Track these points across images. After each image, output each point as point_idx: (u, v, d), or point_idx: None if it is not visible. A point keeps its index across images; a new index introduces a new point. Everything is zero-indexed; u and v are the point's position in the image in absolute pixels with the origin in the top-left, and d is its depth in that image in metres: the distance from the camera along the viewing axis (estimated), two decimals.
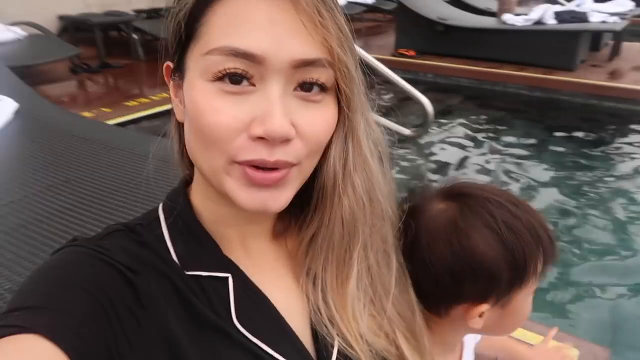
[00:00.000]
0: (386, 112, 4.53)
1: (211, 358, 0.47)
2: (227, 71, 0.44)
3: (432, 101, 3.64)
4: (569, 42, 5.14)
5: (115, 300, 0.45)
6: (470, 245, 0.62)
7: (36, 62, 4.27)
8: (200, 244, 0.53)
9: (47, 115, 2.21)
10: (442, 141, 4.06)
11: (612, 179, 3.42)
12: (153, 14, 6.46)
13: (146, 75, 5.27)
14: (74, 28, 5.78)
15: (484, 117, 4.65)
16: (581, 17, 5.27)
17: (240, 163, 0.45)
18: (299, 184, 0.50)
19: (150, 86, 4.68)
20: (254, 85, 0.45)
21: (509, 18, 5.58)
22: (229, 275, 0.52)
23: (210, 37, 0.44)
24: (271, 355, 0.49)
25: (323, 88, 0.47)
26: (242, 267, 0.54)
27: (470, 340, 0.83)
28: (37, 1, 5.80)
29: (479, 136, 4.18)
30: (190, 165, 0.56)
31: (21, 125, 2.06)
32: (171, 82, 0.53)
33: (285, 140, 0.45)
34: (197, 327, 0.48)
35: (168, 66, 0.52)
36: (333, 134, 0.50)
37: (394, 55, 5.96)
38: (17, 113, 2.13)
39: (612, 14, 5.34)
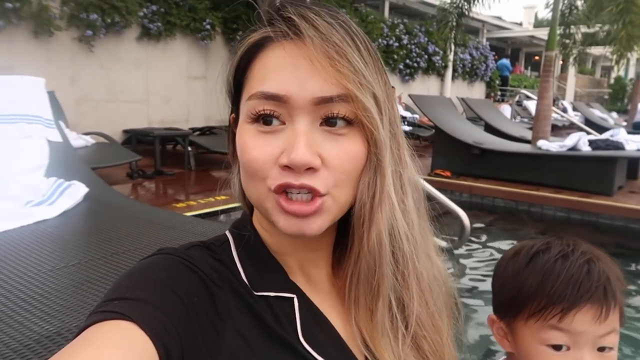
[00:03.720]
0: None
1: None
2: (260, 113, 0.51)
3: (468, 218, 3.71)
4: (605, 168, 5.23)
5: (198, 307, 0.49)
6: (504, 259, 0.74)
7: (100, 165, 4.65)
8: (267, 267, 0.58)
9: (110, 199, 2.44)
10: (477, 256, 4.04)
11: None
12: (207, 131, 7.09)
13: (195, 182, 5.66)
14: (136, 140, 6.37)
15: (520, 234, 4.64)
16: (616, 145, 5.41)
17: (274, 190, 0.51)
18: (336, 213, 0.53)
19: (197, 192, 5.00)
20: (284, 123, 0.51)
21: (543, 144, 5.77)
22: (294, 295, 0.56)
23: (250, 86, 0.53)
24: None
25: (348, 122, 0.52)
26: (304, 291, 0.58)
27: None
28: (106, 117, 6.52)
29: None
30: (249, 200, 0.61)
31: (89, 206, 2.28)
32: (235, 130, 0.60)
33: (310, 169, 0.49)
34: (267, 341, 0.51)
35: (233, 117, 0.60)
36: (363, 168, 0.54)
37: (430, 175, 6.18)
38: (87, 196, 2.36)
39: None
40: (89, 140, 5.39)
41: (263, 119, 0.52)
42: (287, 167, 0.50)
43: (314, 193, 0.50)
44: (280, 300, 0.55)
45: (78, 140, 5.19)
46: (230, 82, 0.57)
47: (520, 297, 0.71)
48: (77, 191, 2.32)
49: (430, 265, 0.62)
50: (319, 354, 0.52)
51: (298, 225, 0.51)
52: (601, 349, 0.68)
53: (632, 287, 3.47)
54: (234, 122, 0.59)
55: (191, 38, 7.42)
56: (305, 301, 0.57)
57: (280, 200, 0.51)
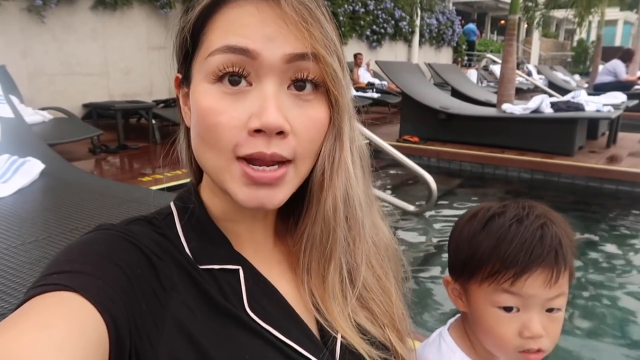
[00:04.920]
0: (392, 191, 4.66)
1: (227, 343, 0.49)
2: (226, 70, 0.48)
3: (436, 182, 3.76)
4: (566, 129, 5.36)
5: (141, 278, 0.48)
6: (461, 221, 0.75)
7: (58, 141, 4.49)
8: (212, 239, 0.57)
9: (69, 175, 2.36)
10: (444, 219, 4.13)
11: (614, 257, 3.42)
12: (171, 103, 6.91)
13: (160, 156, 5.54)
14: (97, 114, 6.16)
15: (486, 197, 4.76)
16: (577, 107, 5.54)
17: (241, 159, 0.49)
18: (296, 184, 0.54)
19: (163, 165, 4.90)
20: (250, 84, 0.49)
21: (508, 107, 5.87)
22: (239, 267, 0.55)
23: (210, 42, 0.50)
24: (283, 341, 0.52)
25: (315, 86, 0.51)
26: (251, 261, 0.57)
27: None
28: (63, 91, 6.26)
29: None
30: (198, 167, 0.60)
31: (47, 183, 2.20)
32: (180, 92, 0.58)
33: (281, 133, 0.48)
34: (212, 314, 0.50)
35: (177, 77, 0.57)
36: (325, 136, 0.54)
37: (398, 141, 6.22)
38: (43, 173, 2.27)
39: (606, 105, 5.63)
40: (47, 115, 5.18)
41: (229, 78, 0.49)
42: (257, 132, 0.48)
43: (280, 162, 0.50)
44: (226, 272, 0.54)
45: (34, 116, 4.98)
46: (187, 38, 0.53)
47: (475, 260, 0.72)
48: (33, 168, 2.22)
49: (376, 231, 0.64)
50: (267, 323, 0.52)
51: (259, 198, 0.50)
52: (549, 310, 0.70)
53: (589, 243, 3.62)
54: (181, 83, 0.57)
55: (149, 7, 7.11)
56: (251, 272, 0.56)
57: (247, 169, 0.49)
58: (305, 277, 0.59)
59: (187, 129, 0.58)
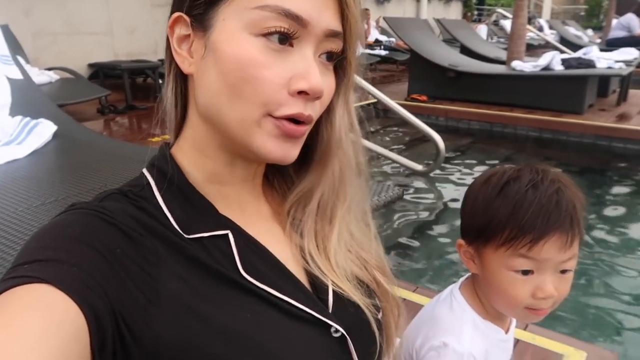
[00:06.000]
0: (400, 150, 4.67)
1: (227, 306, 0.50)
2: (277, 29, 0.48)
3: (444, 142, 3.76)
4: (576, 87, 5.29)
5: (123, 257, 0.46)
6: (475, 186, 0.77)
7: (67, 101, 4.49)
8: (196, 206, 0.55)
9: (81, 136, 2.39)
10: (453, 179, 4.15)
11: (620, 219, 3.45)
12: None
13: (159, 114, 5.52)
14: (103, 74, 6.13)
15: (494, 156, 4.76)
16: (588, 63, 5.44)
17: (278, 117, 0.50)
18: (302, 144, 0.56)
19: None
20: (292, 46, 0.49)
21: (517, 64, 5.76)
22: (228, 231, 0.54)
23: None
24: (278, 297, 0.52)
25: (334, 59, 0.54)
26: (238, 224, 0.56)
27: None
28: (68, 50, 6.20)
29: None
30: (181, 124, 0.58)
31: (59, 144, 2.24)
32: (175, 33, 0.53)
33: (317, 97, 0.51)
34: (207, 280, 0.50)
35: (180, 17, 0.52)
36: (335, 99, 0.57)
37: (406, 100, 6.17)
38: (55, 134, 2.31)
39: (618, 62, 5.52)
40: (53, 76, 5.16)
41: (278, 37, 0.48)
42: (299, 94, 0.49)
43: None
44: (215, 238, 0.53)
45: (41, 77, 4.96)
46: None
47: (491, 226, 0.73)
48: (46, 129, 2.26)
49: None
50: (262, 282, 0.52)
51: (285, 150, 0.52)
52: (562, 272, 0.73)
53: (594, 201, 3.65)
54: (191, 23, 0.51)
55: None
56: (240, 234, 0.55)
57: (279, 123, 0.50)
58: (296, 234, 0.61)
59: (180, 76, 0.56)
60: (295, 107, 0.50)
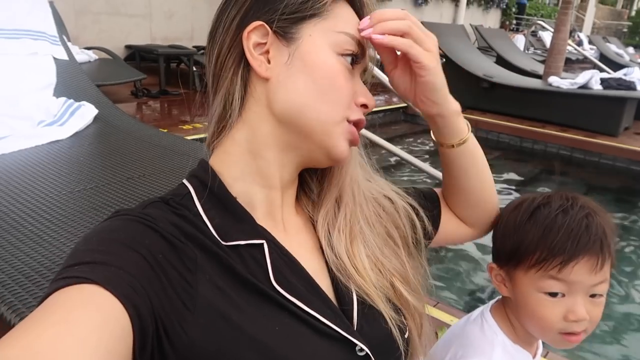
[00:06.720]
0: (427, 159, 4.64)
1: (257, 317, 0.51)
2: (353, 52, 0.59)
3: None
4: (614, 108, 5.18)
5: (164, 263, 0.48)
6: (505, 212, 0.80)
7: (104, 82, 4.57)
8: (234, 215, 0.57)
9: (119, 121, 2.45)
10: None
11: None
12: None
13: (200, 104, 5.59)
14: (140, 57, 6.22)
15: (522, 172, 4.69)
16: (628, 85, 5.32)
17: (350, 121, 0.60)
18: None
19: (202, 114, 4.94)
20: (353, 68, 0.61)
21: (554, 80, 5.67)
22: (264, 241, 0.56)
23: (337, 21, 0.58)
24: (307, 312, 0.54)
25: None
26: (272, 233, 0.59)
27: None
28: (107, 30, 6.31)
29: (513, 190, 4.21)
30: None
31: (99, 128, 2.30)
32: (251, 39, 0.56)
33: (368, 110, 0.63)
34: (240, 290, 0.52)
35: (261, 26, 0.56)
36: None
37: None
38: (96, 117, 2.36)
39: None
40: (92, 55, 5.25)
41: (352, 58, 0.59)
42: (362, 106, 0.61)
43: None
44: (251, 247, 0.55)
45: (81, 55, 5.05)
46: (309, 3, 0.56)
47: (522, 249, 0.75)
48: (87, 112, 2.32)
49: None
50: (291, 295, 0.54)
51: (349, 153, 0.61)
52: (592, 296, 0.74)
53: (626, 228, 3.57)
54: (275, 33, 0.56)
55: None
56: (274, 245, 0.57)
57: (352, 130, 0.60)
58: (327, 246, 0.62)
59: (244, 79, 0.58)
60: (359, 114, 0.61)
